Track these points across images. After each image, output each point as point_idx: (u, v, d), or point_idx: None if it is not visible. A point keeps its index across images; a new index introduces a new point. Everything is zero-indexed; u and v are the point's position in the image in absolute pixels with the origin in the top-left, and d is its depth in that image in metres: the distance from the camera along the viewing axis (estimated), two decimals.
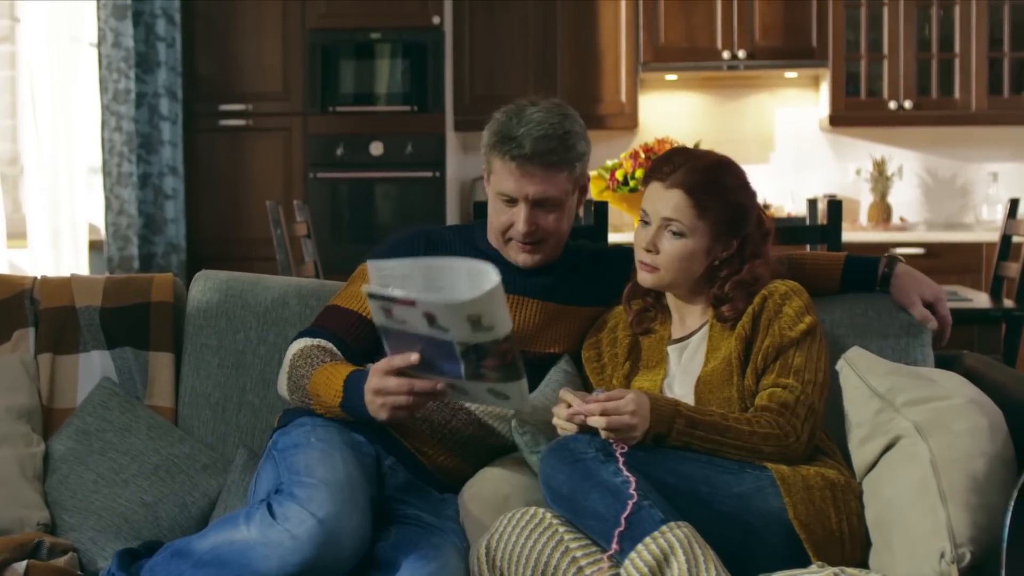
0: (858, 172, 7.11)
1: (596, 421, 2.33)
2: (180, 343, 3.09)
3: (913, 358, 2.81)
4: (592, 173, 3.89)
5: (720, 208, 2.58)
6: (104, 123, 6.43)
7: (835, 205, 3.85)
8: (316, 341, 2.67)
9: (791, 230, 3.93)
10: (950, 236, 6.64)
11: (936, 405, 2.34)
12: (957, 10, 6.78)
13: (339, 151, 6.69)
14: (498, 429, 2.68)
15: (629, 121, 6.99)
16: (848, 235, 6.55)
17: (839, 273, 2.89)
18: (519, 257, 2.79)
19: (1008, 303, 4.60)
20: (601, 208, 3.83)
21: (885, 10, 6.83)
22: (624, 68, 6.97)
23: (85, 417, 2.93)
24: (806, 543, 2.33)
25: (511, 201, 2.73)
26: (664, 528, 2.21)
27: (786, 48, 6.88)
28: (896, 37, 6.82)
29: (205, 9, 6.75)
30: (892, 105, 6.84)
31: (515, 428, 2.57)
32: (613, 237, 4.20)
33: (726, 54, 6.88)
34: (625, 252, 2.92)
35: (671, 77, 7.13)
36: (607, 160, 4.19)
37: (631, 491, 2.25)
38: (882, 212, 6.98)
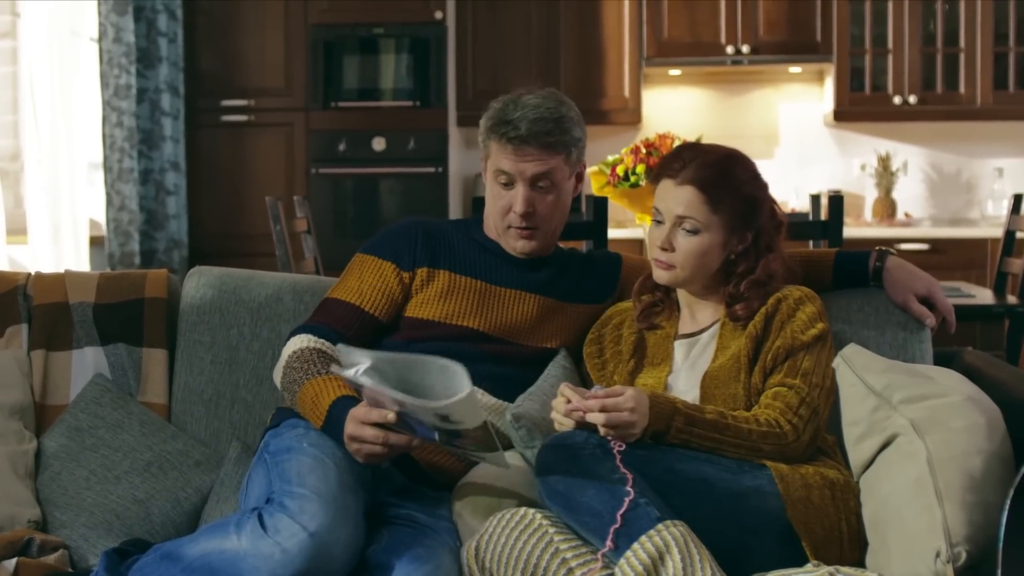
0: (863, 168, 7.08)
1: (595, 418, 2.31)
2: (174, 339, 3.07)
3: (911, 354, 2.80)
4: (593, 168, 3.89)
5: (733, 201, 2.57)
6: (105, 119, 6.42)
7: (836, 200, 3.82)
8: (316, 343, 2.65)
9: (792, 226, 3.89)
10: (955, 232, 6.61)
11: (933, 402, 2.32)
12: (962, 4, 6.74)
13: (341, 147, 6.68)
14: (495, 425, 2.67)
15: (632, 116, 6.97)
16: (853, 231, 6.56)
17: (830, 270, 2.87)
18: (516, 244, 2.80)
19: (1011, 299, 4.57)
20: (601, 203, 3.82)
21: (890, 4, 6.80)
22: (627, 63, 6.94)
23: (77, 414, 2.92)
24: (804, 542, 2.31)
25: (508, 184, 2.75)
26: (660, 526, 2.20)
27: (790, 43, 6.85)
28: (901, 31, 6.79)
29: (207, 4, 6.73)
30: (897, 100, 6.81)
31: (510, 423, 2.56)
32: (613, 233, 4.18)
33: (730, 49, 6.85)
34: (614, 256, 2.98)
35: (675, 72, 7.10)
36: (609, 156, 4.16)
37: (628, 488, 2.24)
38: (887, 208, 6.95)
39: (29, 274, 3.13)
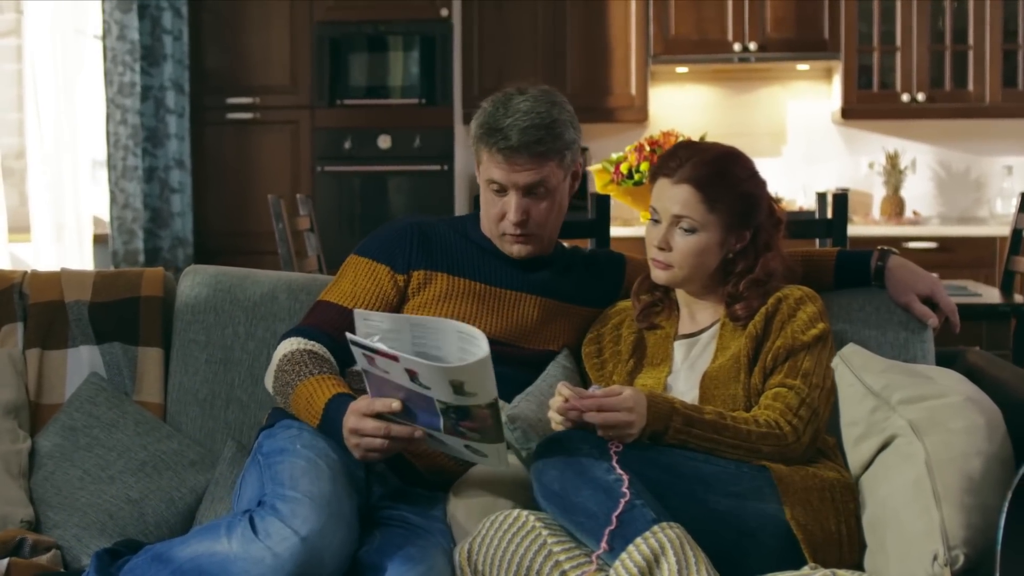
0: (871, 166, 7.05)
1: (592, 417, 2.30)
2: (170, 338, 3.06)
3: (912, 353, 2.78)
4: (596, 166, 3.86)
5: (730, 200, 2.55)
6: (109, 116, 6.42)
7: (840, 198, 3.78)
8: (307, 345, 2.61)
9: (796, 224, 3.86)
10: (963, 230, 6.58)
11: (932, 403, 2.29)
12: (971, 1, 6.70)
13: (347, 144, 6.67)
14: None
15: (639, 114, 6.94)
16: (861, 229, 6.54)
17: (831, 270, 2.85)
18: (512, 248, 2.76)
19: (1018, 298, 4.54)
20: (603, 202, 3.79)
21: (898, 2, 6.76)
22: (634, 60, 6.92)
23: (72, 413, 2.90)
24: (803, 544, 2.29)
25: (501, 190, 2.70)
26: (655, 528, 2.17)
27: (798, 40, 6.82)
28: (909, 29, 6.75)
29: (213, 2, 6.73)
30: (905, 98, 6.77)
31: (506, 424, 2.53)
32: (615, 231, 4.15)
33: (737, 46, 6.82)
34: (617, 257, 2.93)
35: (682, 70, 7.07)
36: (614, 154, 4.14)
37: (623, 489, 2.22)
38: (895, 206, 6.92)
39: (25, 272, 3.12)
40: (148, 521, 2.76)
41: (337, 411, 2.42)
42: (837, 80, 6.89)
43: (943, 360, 2.77)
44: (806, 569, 2.25)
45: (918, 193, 7.04)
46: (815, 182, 6.95)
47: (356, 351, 2.26)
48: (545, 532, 2.26)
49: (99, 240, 6.48)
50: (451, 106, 6.69)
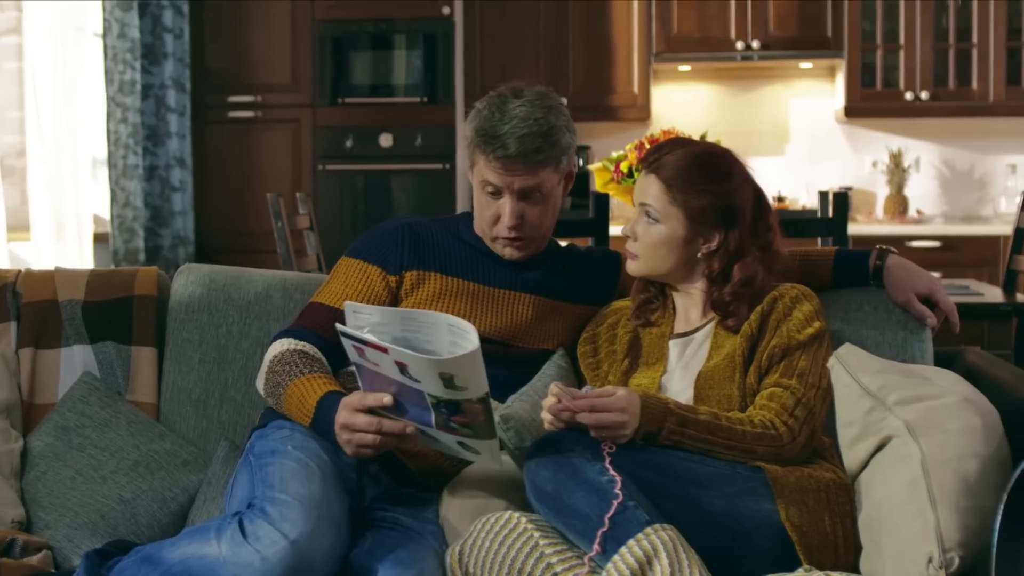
0: (874, 164, 7.02)
1: (585, 418, 2.28)
2: (164, 338, 3.04)
3: (911, 354, 2.76)
4: (597, 165, 3.86)
5: (695, 196, 2.55)
6: (109, 115, 6.41)
7: (841, 197, 3.78)
8: (298, 345, 2.60)
9: (796, 223, 3.85)
10: (967, 229, 6.56)
11: (929, 404, 2.27)
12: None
13: (348, 143, 6.66)
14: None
15: (642, 112, 6.92)
16: (864, 228, 6.52)
17: (830, 269, 2.83)
18: (505, 251, 2.74)
19: (1020, 298, 4.52)
20: (602, 200, 3.79)
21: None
22: (636, 59, 6.90)
23: (65, 413, 2.89)
24: (798, 546, 2.27)
25: (496, 193, 2.69)
26: (648, 530, 2.16)
27: (801, 38, 6.79)
28: (913, 27, 6.72)
29: (214, 1, 6.72)
30: (909, 96, 6.74)
31: (499, 424, 2.51)
32: (615, 230, 4.14)
33: (740, 44, 6.80)
34: (613, 255, 2.92)
35: (684, 68, 7.05)
36: (614, 152, 4.13)
37: (616, 491, 2.20)
38: (898, 205, 6.89)
39: (19, 271, 3.10)
40: (140, 521, 2.75)
41: (329, 408, 2.40)
42: (840, 78, 6.87)
43: (942, 360, 2.75)
44: (801, 571, 2.23)
45: (922, 192, 7.01)
46: (818, 181, 6.92)
47: (347, 343, 2.25)
48: (537, 534, 2.25)
49: (100, 239, 6.48)
50: (453, 104, 6.67)
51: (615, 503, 2.18)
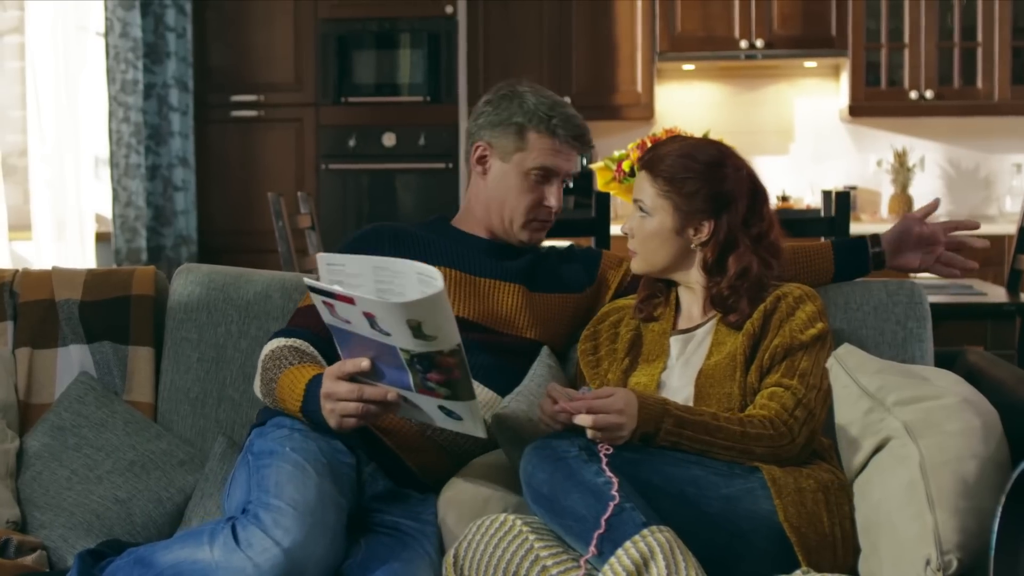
0: (879, 163, 7.01)
1: (582, 419, 2.26)
2: (161, 337, 3.04)
3: (911, 353, 2.76)
4: (599, 164, 3.85)
5: (680, 183, 2.56)
6: (111, 114, 6.40)
7: (843, 196, 3.75)
8: (289, 341, 2.60)
9: (798, 222, 3.83)
10: None
11: (928, 404, 2.26)
12: None
13: (351, 142, 6.65)
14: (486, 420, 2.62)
15: (645, 112, 6.90)
16: (869, 227, 6.48)
17: (831, 261, 2.84)
18: (533, 236, 2.83)
19: None
20: (603, 199, 3.78)
21: None
22: (640, 58, 6.88)
23: (61, 413, 2.88)
24: (797, 547, 2.26)
25: (545, 177, 2.77)
26: (645, 532, 2.14)
27: (805, 37, 6.77)
28: (917, 25, 6.70)
29: (217, 0, 6.71)
30: (913, 95, 6.72)
31: (494, 425, 2.50)
32: (616, 229, 4.13)
33: (744, 43, 6.77)
34: (595, 250, 2.98)
35: (688, 67, 7.03)
36: (617, 151, 4.12)
37: (613, 492, 2.18)
38: (903, 204, 6.87)
39: (17, 271, 3.09)
40: (136, 522, 2.74)
41: (316, 387, 2.40)
42: (845, 77, 6.85)
43: (943, 360, 2.75)
44: (799, 573, 2.22)
45: (927, 191, 6.98)
46: (823, 180, 6.90)
47: (316, 299, 2.23)
48: (532, 537, 2.23)
49: (102, 238, 6.48)
50: (456, 104, 6.66)
51: (611, 505, 2.16)
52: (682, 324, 2.65)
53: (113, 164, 6.42)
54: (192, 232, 6.59)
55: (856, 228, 6.40)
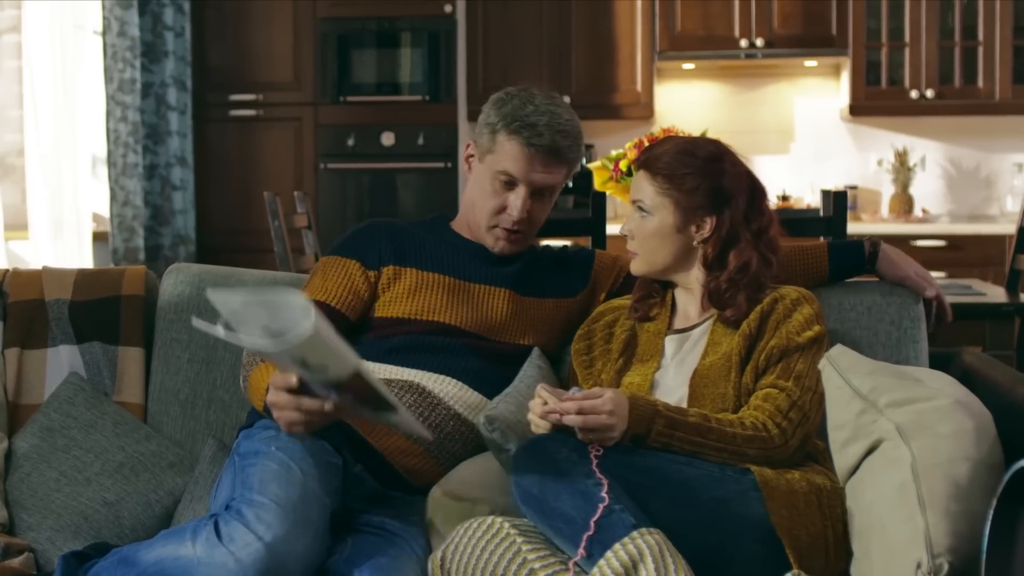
0: (880, 163, 6.98)
1: (572, 420, 2.25)
2: (151, 338, 3.02)
3: (905, 354, 2.75)
4: (596, 163, 3.84)
5: (680, 180, 2.55)
6: (109, 113, 6.40)
7: (840, 196, 3.72)
8: None
9: (796, 222, 3.79)
10: (973, 228, 6.51)
11: (920, 406, 2.23)
12: None
13: (350, 141, 6.64)
14: (475, 424, 2.60)
15: (645, 111, 6.87)
16: (869, 227, 6.50)
17: (826, 261, 2.83)
18: (499, 244, 2.76)
19: (1023, 297, 4.47)
20: (599, 199, 3.76)
21: None
22: (640, 57, 6.86)
23: (50, 413, 2.86)
24: (788, 549, 2.24)
25: (510, 184, 2.70)
26: (635, 534, 2.13)
27: (805, 36, 6.74)
28: (918, 24, 6.67)
29: None
30: (914, 94, 6.69)
31: (483, 426, 2.49)
32: (612, 229, 4.11)
33: (744, 42, 6.75)
34: (588, 251, 2.94)
35: (688, 66, 7.00)
36: (614, 151, 4.10)
37: (603, 494, 2.17)
38: (904, 204, 6.84)
39: (7, 270, 3.07)
40: (124, 524, 2.72)
41: None
42: (845, 76, 6.82)
43: (940, 361, 2.73)
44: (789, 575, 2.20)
45: (927, 191, 6.97)
46: (823, 179, 6.88)
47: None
48: (520, 539, 2.22)
49: (100, 238, 6.47)
50: (455, 103, 6.65)
51: (601, 506, 2.15)
52: (678, 324, 2.64)
53: (111, 163, 6.41)
54: (190, 232, 6.58)
55: (857, 228, 6.42)
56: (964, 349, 2.79)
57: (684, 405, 2.47)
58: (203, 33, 6.71)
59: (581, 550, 2.14)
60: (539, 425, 2.33)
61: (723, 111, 7.07)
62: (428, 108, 6.64)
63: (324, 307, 2.64)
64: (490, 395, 2.60)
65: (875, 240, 2.85)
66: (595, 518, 2.15)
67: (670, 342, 2.61)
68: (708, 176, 2.55)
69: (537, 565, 2.18)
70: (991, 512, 1.92)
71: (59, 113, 6.10)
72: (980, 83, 6.66)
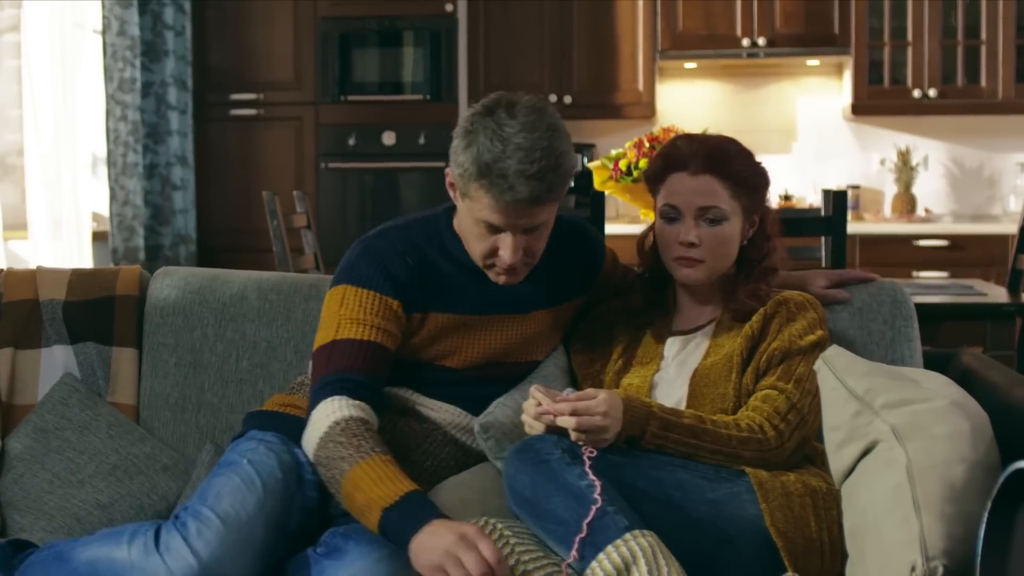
0: (882, 162, 6.96)
1: (565, 421, 2.24)
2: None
3: (899, 354, 2.73)
4: (595, 163, 3.83)
5: (745, 184, 2.53)
6: (109, 113, 6.39)
7: (840, 195, 3.72)
8: (356, 410, 2.31)
9: (795, 221, 3.78)
10: (975, 228, 6.50)
11: (916, 408, 2.21)
12: None
13: (351, 141, 6.64)
14: (469, 445, 2.56)
15: (647, 110, 6.86)
16: (872, 227, 6.48)
17: None
18: (500, 279, 2.48)
19: None
20: (598, 199, 3.76)
21: None
22: (641, 56, 6.85)
23: (44, 414, 2.85)
24: (783, 552, 2.23)
25: (495, 229, 2.40)
26: (628, 536, 2.12)
27: (807, 35, 6.73)
28: (920, 23, 6.66)
29: None
30: (916, 94, 6.68)
31: (479, 433, 2.47)
32: (610, 228, 4.11)
33: (746, 42, 6.74)
34: (598, 253, 2.75)
35: (690, 65, 6.99)
36: (614, 150, 4.09)
37: (595, 496, 2.16)
38: (906, 203, 6.83)
39: (1, 270, 3.07)
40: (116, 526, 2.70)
41: (415, 507, 2.15)
42: (847, 76, 6.81)
43: (938, 361, 2.71)
44: None
45: (930, 190, 6.95)
46: (825, 179, 6.88)
47: None
48: (513, 541, 2.21)
49: (100, 237, 6.46)
50: (456, 103, 6.64)
51: (594, 508, 2.14)
52: (681, 326, 2.63)
53: (110, 163, 6.41)
54: (191, 231, 6.58)
55: (860, 228, 6.41)
56: (963, 350, 2.78)
57: (684, 405, 2.46)
58: (203, 32, 6.71)
59: (574, 552, 2.13)
60: (533, 426, 2.32)
61: (725, 110, 7.05)
62: (429, 107, 6.63)
63: (377, 346, 2.42)
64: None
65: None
66: (587, 520, 2.13)
67: (671, 344, 2.60)
68: (757, 174, 2.56)
69: (531, 566, 2.17)
70: (986, 514, 1.91)
71: (59, 112, 6.09)
72: (983, 82, 6.65)
